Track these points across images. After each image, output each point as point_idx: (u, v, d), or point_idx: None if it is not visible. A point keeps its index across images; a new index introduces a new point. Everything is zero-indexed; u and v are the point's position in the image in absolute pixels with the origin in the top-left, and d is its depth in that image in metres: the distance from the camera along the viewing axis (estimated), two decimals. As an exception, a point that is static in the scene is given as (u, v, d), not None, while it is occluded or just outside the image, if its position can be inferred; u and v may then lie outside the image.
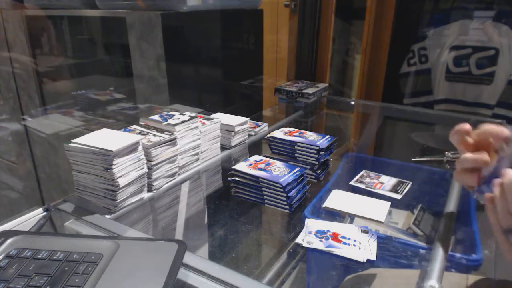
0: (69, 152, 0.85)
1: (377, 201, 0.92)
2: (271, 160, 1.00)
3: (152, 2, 1.34)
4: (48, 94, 1.81)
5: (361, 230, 0.78)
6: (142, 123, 1.05)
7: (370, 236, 0.76)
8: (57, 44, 1.89)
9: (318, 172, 1.08)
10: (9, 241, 0.65)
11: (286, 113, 1.78)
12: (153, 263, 0.62)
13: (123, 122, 1.54)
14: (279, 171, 0.94)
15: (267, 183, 0.90)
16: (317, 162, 1.07)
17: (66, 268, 0.59)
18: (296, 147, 1.09)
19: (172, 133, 0.98)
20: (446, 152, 1.10)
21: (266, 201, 0.92)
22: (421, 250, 0.73)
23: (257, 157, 1.03)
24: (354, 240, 0.75)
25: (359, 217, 0.86)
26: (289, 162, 1.04)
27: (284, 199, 0.88)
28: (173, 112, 1.10)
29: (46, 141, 1.37)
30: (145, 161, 0.90)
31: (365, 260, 0.69)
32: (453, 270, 0.69)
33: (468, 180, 0.62)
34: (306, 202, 0.93)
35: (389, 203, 0.90)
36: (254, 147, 1.30)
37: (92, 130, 0.91)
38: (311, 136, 1.13)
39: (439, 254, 0.69)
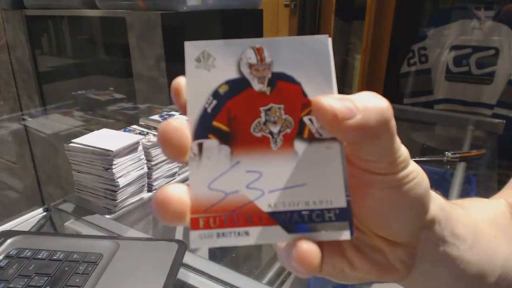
0: (69, 152, 0.85)
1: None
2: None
3: (152, 2, 1.34)
4: (48, 94, 1.81)
5: None
6: (142, 123, 1.05)
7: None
8: (57, 44, 1.89)
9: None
10: (9, 241, 0.65)
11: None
12: (153, 263, 0.61)
13: (123, 122, 1.54)
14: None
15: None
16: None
17: (66, 268, 0.59)
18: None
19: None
20: (446, 152, 1.10)
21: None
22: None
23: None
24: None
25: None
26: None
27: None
28: (173, 112, 1.09)
29: (46, 141, 1.37)
30: (145, 161, 0.90)
31: None
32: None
33: None
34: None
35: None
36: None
37: (92, 130, 0.91)
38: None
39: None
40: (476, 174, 1.05)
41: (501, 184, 0.44)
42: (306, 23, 2.26)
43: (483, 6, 1.93)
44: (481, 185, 1.01)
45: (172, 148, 0.22)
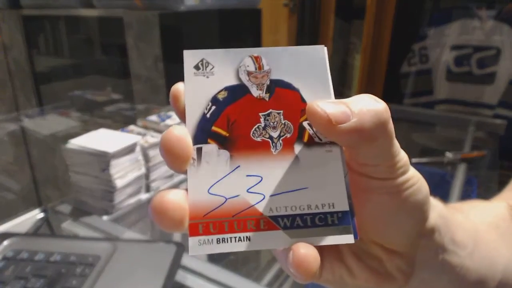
0: (66, 153, 0.85)
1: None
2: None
3: (150, 1, 1.33)
4: (45, 94, 1.81)
5: None
6: (139, 123, 1.04)
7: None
8: (54, 44, 1.88)
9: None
10: (5, 242, 0.65)
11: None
12: (151, 265, 0.61)
13: (120, 122, 1.53)
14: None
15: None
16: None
17: (63, 270, 0.59)
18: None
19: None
20: (447, 153, 1.09)
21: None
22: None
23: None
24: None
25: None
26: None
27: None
28: (170, 113, 1.09)
29: (43, 141, 1.37)
30: (143, 162, 0.89)
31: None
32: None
33: None
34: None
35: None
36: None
37: (89, 131, 0.90)
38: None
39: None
40: (477, 175, 1.04)
41: (502, 185, 0.44)
42: (306, 23, 2.26)
43: (484, 5, 1.92)
44: (482, 186, 1.00)
45: (174, 157, 0.21)
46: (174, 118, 1.03)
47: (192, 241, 0.21)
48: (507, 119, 1.44)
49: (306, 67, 0.23)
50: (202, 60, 0.23)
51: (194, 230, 0.21)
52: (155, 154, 0.92)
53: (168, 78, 1.32)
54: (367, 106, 0.21)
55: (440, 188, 0.80)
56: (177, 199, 0.21)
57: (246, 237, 0.21)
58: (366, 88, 2.23)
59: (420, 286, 0.27)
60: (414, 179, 0.23)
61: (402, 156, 0.23)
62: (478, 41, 1.93)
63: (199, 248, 0.21)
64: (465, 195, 0.91)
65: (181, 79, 0.23)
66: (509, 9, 1.88)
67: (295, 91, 0.23)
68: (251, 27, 1.68)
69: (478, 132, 1.38)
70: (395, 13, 2.13)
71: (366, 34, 2.18)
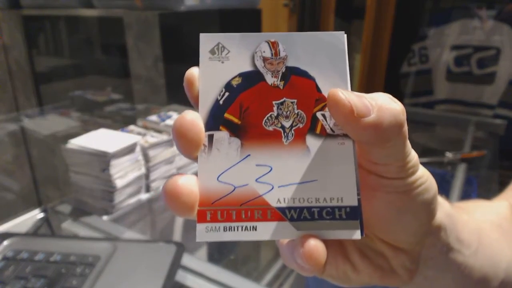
0: (66, 153, 0.84)
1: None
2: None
3: (149, 1, 1.33)
4: (45, 94, 1.80)
5: None
6: (139, 123, 1.04)
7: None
8: (54, 44, 1.88)
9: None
10: (5, 242, 0.65)
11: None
12: (151, 265, 0.61)
13: (120, 122, 1.53)
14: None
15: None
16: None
17: (63, 270, 0.59)
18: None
19: (170, 134, 0.97)
20: (447, 153, 1.09)
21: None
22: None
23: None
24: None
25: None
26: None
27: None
28: (171, 113, 1.09)
29: (43, 141, 1.37)
30: (143, 162, 0.89)
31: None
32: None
33: None
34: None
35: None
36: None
37: (89, 131, 0.90)
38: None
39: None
40: (477, 175, 1.04)
41: (502, 185, 0.44)
42: (306, 23, 2.26)
43: (484, 5, 1.92)
44: (482, 186, 1.00)
45: (187, 142, 0.21)
46: (174, 118, 1.03)
47: (200, 227, 0.21)
48: (507, 119, 1.44)
49: (323, 55, 0.23)
50: (218, 44, 0.23)
51: (202, 217, 0.21)
52: (155, 154, 0.92)
53: (168, 78, 1.32)
54: (386, 105, 0.20)
55: (440, 188, 0.80)
56: (189, 185, 0.21)
57: (253, 226, 0.21)
58: (366, 88, 2.23)
59: (424, 283, 0.27)
60: (423, 179, 0.23)
61: (413, 156, 0.22)
62: (478, 41, 1.93)
63: (206, 235, 0.21)
64: (465, 195, 0.90)
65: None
66: (509, 9, 1.88)
67: (311, 79, 0.23)
68: (251, 27, 1.67)
69: (478, 132, 1.38)
70: (395, 13, 2.13)
71: (366, 34, 2.18)
